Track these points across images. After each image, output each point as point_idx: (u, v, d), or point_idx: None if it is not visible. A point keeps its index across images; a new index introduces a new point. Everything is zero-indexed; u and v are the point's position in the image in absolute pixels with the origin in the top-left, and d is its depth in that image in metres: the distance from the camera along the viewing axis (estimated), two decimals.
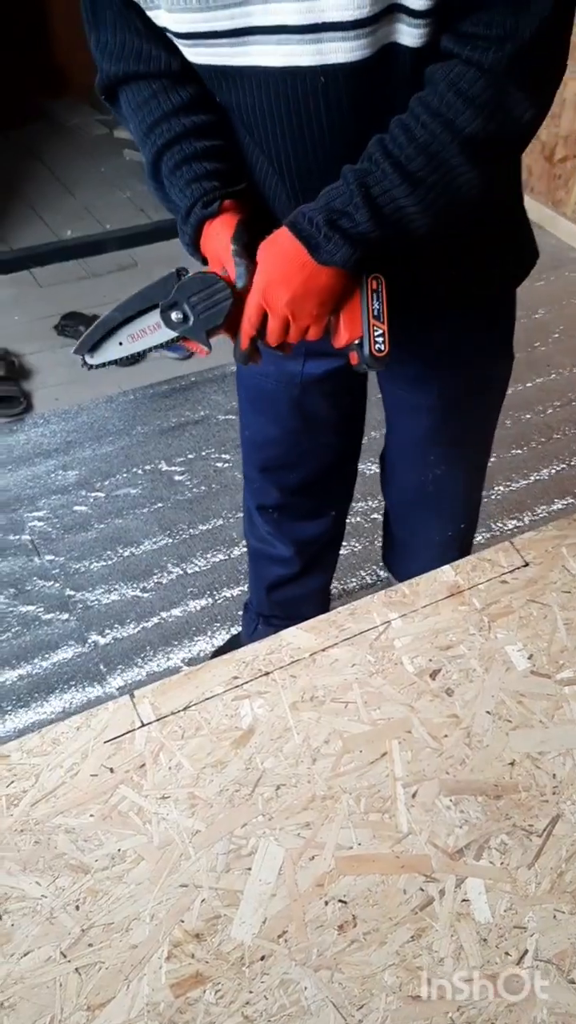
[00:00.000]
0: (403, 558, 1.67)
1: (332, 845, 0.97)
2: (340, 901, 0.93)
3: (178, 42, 1.01)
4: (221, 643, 1.97)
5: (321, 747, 1.06)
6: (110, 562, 2.15)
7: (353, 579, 2.13)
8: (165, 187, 1.08)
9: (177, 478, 2.38)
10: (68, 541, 2.18)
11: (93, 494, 2.31)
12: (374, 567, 2.14)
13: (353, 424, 1.54)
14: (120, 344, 1.03)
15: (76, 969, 0.87)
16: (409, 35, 0.90)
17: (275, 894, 0.93)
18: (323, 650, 1.16)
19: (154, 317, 1.03)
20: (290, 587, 1.73)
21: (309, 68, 0.92)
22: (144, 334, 1.02)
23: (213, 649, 1.96)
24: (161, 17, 0.99)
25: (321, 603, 1.81)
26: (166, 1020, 0.84)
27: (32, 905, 0.91)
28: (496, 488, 2.34)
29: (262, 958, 0.89)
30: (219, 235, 1.04)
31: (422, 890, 0.95)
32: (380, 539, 1.73)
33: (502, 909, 0.94)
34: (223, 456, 2.46)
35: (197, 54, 1.00)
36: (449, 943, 0.91)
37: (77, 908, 0.91)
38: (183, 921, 0.91)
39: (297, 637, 1.18)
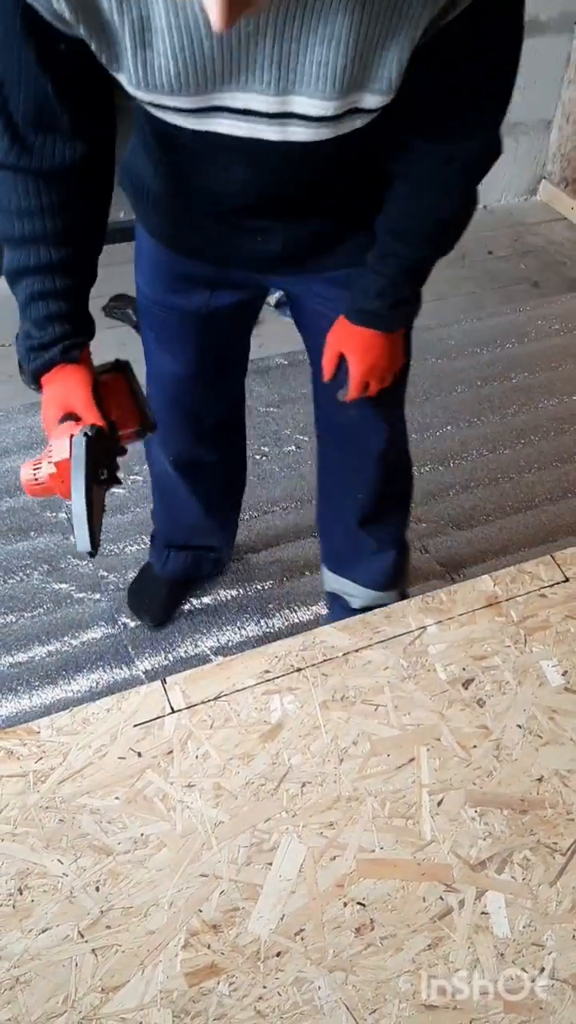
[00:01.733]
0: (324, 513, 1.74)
1: (354, 847, 0.97)
2: (359, 904, 0.93)
3: (135, 97, 0.99)
4: (250, 634, 1.97)
5: (349, 748, 1.05)
6: (144, 546, 2.16)
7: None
8: (16, 297, 1.09)
9: None
10: (104, 522, 2.18)
11: (132, 477, 2.31)
12: None
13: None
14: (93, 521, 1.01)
15: (93, 950, 0.87)
16: (363, 119, 0.98)
17: (294, 891, 0.93)
18: (356, 651, 1.15)
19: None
20: (198, 524, 1.79)
21: (271, 141, 1.00)
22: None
23: (240, 639, 1.96)
24: (121, 79, 0.96)
25: (231, 534, 1.91)
26: (179, 1008, 0.84)
27: (53, 883, 0.91)
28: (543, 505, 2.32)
29: (278, 954, 0.89)
30: (74, 383, 1.08)
31: (442, 899, 0.94)
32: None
33: (521, 925, 0.93)
34: (262, 448, 2.45)
35: (154, 111, 1.00)
36: (466, 955, 0.90)
37: (97, 889, 0.91)
38: (201, 911, 0.91)
39: (331, 636, 1.17)
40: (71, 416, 1.06)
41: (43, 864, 0.93)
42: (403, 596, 1.77)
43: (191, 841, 0.96)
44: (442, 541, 2.18)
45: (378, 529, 1.66)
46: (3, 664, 1.87)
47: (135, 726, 1.05)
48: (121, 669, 1.87)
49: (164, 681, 1.10)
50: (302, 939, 0.90)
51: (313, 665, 1.14)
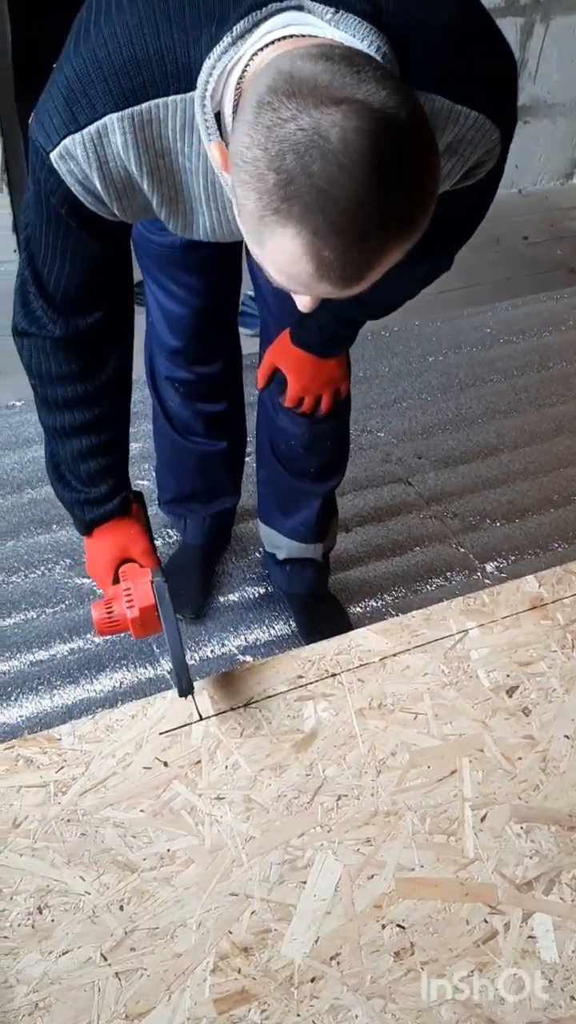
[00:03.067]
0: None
1: (393, 865, 0.92)
2: (398, 926, 0.88)
3: None
4: (278, 633, 1.93)
5: (387, 759, 1.01)
6: (169, 541, 2.12)
7: None
8: (56, 453, 1.17)
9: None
10: None
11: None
12: None
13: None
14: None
15: (116, 974, 0.83)
16: None
17: (330, 912, 0.89)
18: (394, 655, 1.11)
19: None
20: (204, 457, 1.82)
21: None
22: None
23: (268, 638, 1.92)
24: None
25: (238, 468, 1.93)
26: None
27: (75, 901, 0.88)
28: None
29: (312, 979, 0.84)
30: (134, 533, 1.19)
31: (486, 922, 0.89)
32: None
33: (570, 950, 0.88)
34: None
35: None
36: (512, 982, 0.86)
37: (121, 908, 0.87)
38: (231, 932, 0.87)
39: (367, 639, 1.13)
40: (125, 562, 1.17)
41: (64, 881, 0.89)
42: (327, 553, 1.89)
43: (220, 857, 0.92)
44: (477, 537, 2.13)
45: (307, 482, 1.73)
46: (24, 662, 1.84)
47: (161, 734, 1.01)
48: (146, 668, 1.84)
49: (192, 692, 1.05)
50: (338, 963, 0.86)
51: (348, 670, 1.09)
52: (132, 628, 1.10)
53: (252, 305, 2.50)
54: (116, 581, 1.16)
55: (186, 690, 1.03)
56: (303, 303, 0.83)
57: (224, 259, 1.50)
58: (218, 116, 0.83)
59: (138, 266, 1.56)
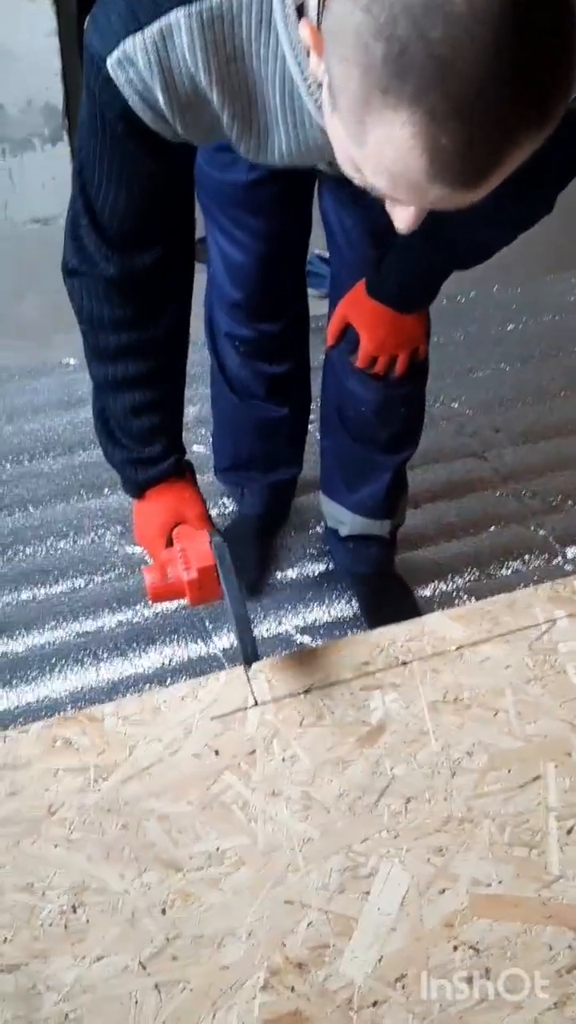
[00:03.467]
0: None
1: (467, 879, 0.84)
2: (472, 948, 0.80)
3: None
4: (340, 614, 1.85)
5: (463, 759, 0.92)
6: (224, 510, 2.05)
7: None
8: (107, 408, 1.10)
9: None
10: None
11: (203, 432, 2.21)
12: None
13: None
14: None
15: (156, 985, 0.76)
16: None
17: (395, 928, 0.81)
18: (473, 644, 1.02)
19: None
20: (265, 424, 1.75)
21: None
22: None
23: (328, 619, 1.84)
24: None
25: (301, 436, 1.85)
26: None
27: (112, 901, 0.81)
28: None
29: (374, 1003, 0.77)
30: (188, 496, 1.13)
31: (571, 948, 0.81)
32: None
33: None
34: None
35: None
36: None
37: (163, 912, 0.81)
38: (285, 945, 0.79)
39: (443, 625, 1.04)
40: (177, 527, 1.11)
41: (102, 878, 0.82)
42: (394, 531, 1.80)
43: (275, 860, 0.84)
44: (559, 519, 2.02)
45: (376, 453, 1.64)
46: (70, 633, 1.79)
47: (213, 719, 0.94)
48: (197, 645, 1.78)
49: (253, 662, 0.98)
50: (403, 987, 0.78)
51: (421, 659, 1.01)
52: (189, 592, 1.03)
53: (321, 265, 2.41)
54: (169, 547, 1.10)
55: (251, 657, 0.97)
56: (405, 219, 0.72)
57: (293, 200, 1.41)
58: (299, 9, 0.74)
59: (199, 214, 1.49)
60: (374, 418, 1.55)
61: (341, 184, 1.22)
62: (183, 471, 1.13)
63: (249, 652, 0.97)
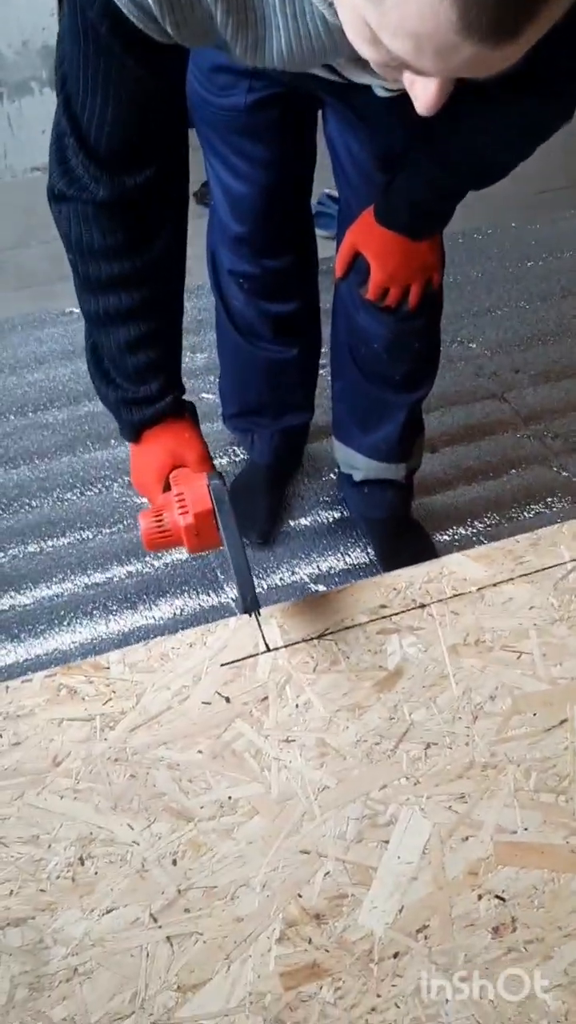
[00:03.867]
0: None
1: (491, 826, 0.82)
2: (497, 897, 0.78)
3: None
4: (355, 561, 1.82)
5: (485, 703, 0.89)
6: (235, 458, 2.02)
7: None
8: (100, 345, 1.05)
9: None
10: None
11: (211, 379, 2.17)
12: None
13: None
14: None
15: (168, 938, 0.75)
16: None
17: (416, 877, 0.79)
18: (495, 585, 0.98)
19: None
20: (273, 365, 1.70)
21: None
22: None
23: (344, 567, 1.81)
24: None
25: (311, 380, 1.81)
26: (272, 1016, 0.71)
27: (121, 852, 0.79)
28: None
29: (395, 955, 0.75)
30: (188, 437, 1.07)
31: None
32: None
33: None
34: None
35: None
36: None
37: (174, 863, 0.79)
38: (301, 896, 0.77)
39: (463, 566, 1.00)
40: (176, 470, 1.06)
41: (109, 829, 0.80)
42: (410, 475, 1.76)
43: (289, 809, 0.82)
44: None
45: (390, 392, 1.59)
46: (79, 585, 1.77)
47: (223, 666, 0.91)
48: (208, 595, 1.75)
49: (258, 613, 0.95)
50: (426, 938, 0.76)
51: (440, 601, 0.97)
52: (186, 539, 0.98)
53: (331, 204, 2.34)
54: (167, 492, 1.05)
55: (251, 606, 0.92)
56: (428, 97, 0.65)
57: (295, 125, 1.35)
58: None
59: (199, 144, 1.43)
60: (386, 355, 1.50)
61: (345, 96, 1.16)
62: (182, 411, 1.08)
63: (248, 601, 0.92)
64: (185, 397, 1.09)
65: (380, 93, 1.03)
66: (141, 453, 1.08)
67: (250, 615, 0.94)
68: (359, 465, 1.73)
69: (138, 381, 1.04)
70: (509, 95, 0.97)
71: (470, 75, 0.61)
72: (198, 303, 2.38)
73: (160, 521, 0.98)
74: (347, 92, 1.06)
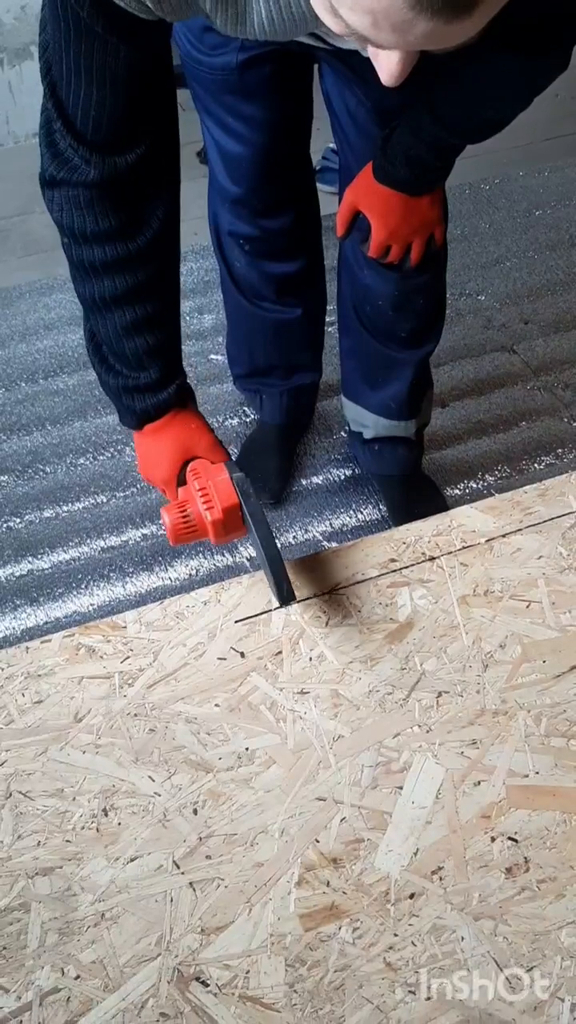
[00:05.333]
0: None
1: (503, 770, 0.84)
2: (510, 839, 0.80)
3: None
4: (367, 518, 1.83)
5: (495, 652, 0.91)
6: (245, 419, 2.02)
7: None
8: (98, 332, 1.04)
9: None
10: (203, 392, 2.06)
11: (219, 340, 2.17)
12: None
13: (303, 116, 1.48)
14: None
15: (191, 883, 0.77)
16: None
17: (430, 821, 0.81)
18: (503, 536, 1.00)
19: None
20: (279, 326, 1.70)
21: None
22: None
23: (356, 523, 1.82)
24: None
25: (318, 340, 1.81)
26: (293, 956, 0.74)
27: (143, 803, 0.81)
28: None
29: (411, 896, 0.77)
30: (196, 427, 1.07)
31: None
32: None
33: None
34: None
35: None
36: None
37: (195, 812, 0.81)
38: (318, 841, 0.80)
39: (472, 518, 1.01)
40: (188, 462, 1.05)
41: (131, 781, 0.83)
42: (420, 431, 1.74)
43: (305, 758, 0.84)
44: None
45: (397, 350, 1.59)
46: (95, 548, 1.79)
47: (237, 622, 0.93)
48: (223, 556, 1.77)
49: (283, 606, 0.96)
50: (440, 879, 0.78)
51: (450, 553, 0.99)
52: (213, 532, 0.99)
53: (334, 159, 2.32)
54: (181, 484, 1.05)
55: (287, 598, 0.91)
56: (390, 68, 0.66)
57: (290, 82, 1.34)
58: None
59: (193, 105, 1.42)
60: (392, 312, 1.50)
61: (339, 55, 1.15)
62: (185, 399, 1.08)
63: (285, 592, 0.91)
64: (194, 358, 1.09)
65: (364, 53, 1.03)
66: (150, 445, 1.08)
67: (285, 606, 0.94)
68: (369, 423, 1.74)
69: (137, 367, 1.03)
70: (505, 49, 0.96)
71: (430, 48, 0.62)
72: (204, 263, 2.38)
73: (186, 516, 0.99)
74: (339, 52, 1.06)
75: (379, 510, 1.85)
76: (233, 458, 1.09)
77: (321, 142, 1.50)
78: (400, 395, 1.66)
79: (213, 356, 2.12)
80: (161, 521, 1.00)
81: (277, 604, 0.93)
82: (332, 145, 2.46)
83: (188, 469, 1.05)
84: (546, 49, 1.01)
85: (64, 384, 2.15)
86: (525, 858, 0.79)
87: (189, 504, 1.00)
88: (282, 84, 1.32)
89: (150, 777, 0.83)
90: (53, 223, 0.98)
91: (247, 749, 0.85)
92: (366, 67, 1.11)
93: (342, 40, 0.92)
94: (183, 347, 1.10)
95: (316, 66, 1.34)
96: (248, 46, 1.24)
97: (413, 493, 1.82)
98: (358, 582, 0.97)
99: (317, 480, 1.92)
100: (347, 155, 1.38)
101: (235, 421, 2.02)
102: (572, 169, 2.66)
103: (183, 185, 1.02)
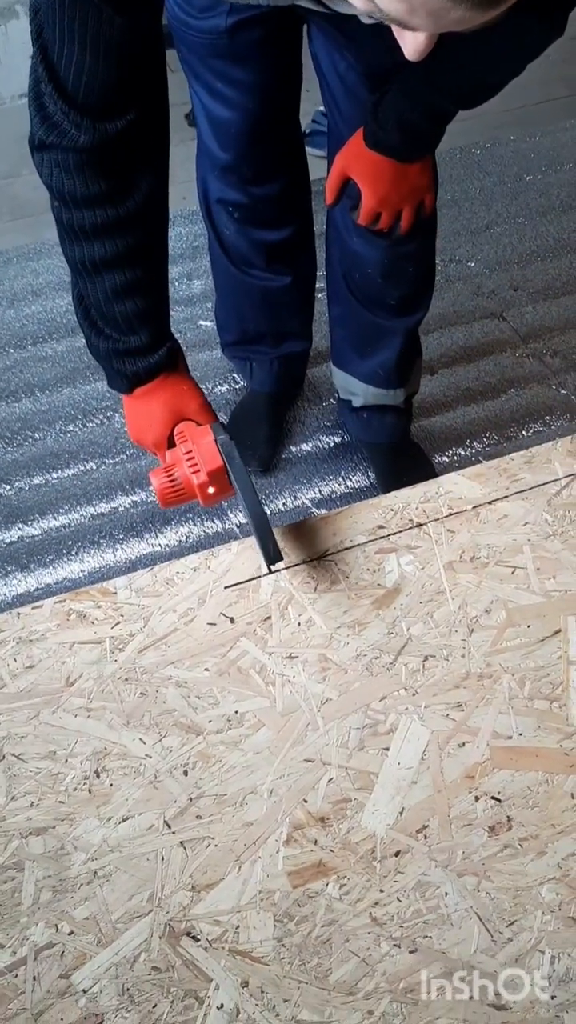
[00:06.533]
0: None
1: (487, 732, 0.85)
2: (493, 798, 0.82)
3: None
4: (356, 485, 1.84)
5: (480, 617, 0.92)
6: (235, 385, 2.03)
7: None
8: (87, 295, 1.04)
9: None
10: (192, 359, 2.05)
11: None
12: None
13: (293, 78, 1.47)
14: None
15: (181, 842, 0.79)
16: None
17: (416, 781, 0.83)
18: (490, 503, 1.01)
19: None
20: (268, 294, 1.70)
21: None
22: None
23: (345, 491, 1.84)
24: None
25: (308, 307, 1.81)
26: (281, 912, 0.76)
27: (135, 765, 0.83)
28: None
29: (397, 854, 0.79)
30: (187, 390, 1.08)
31: None
32: None
33: None
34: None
35: None
36: None
37: (185, 773, 0.83)
38: (306, 801, 0.81)
39: (458, 485, 1.03)
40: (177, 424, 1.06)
41: (123, 743, 0.84)
42: (409, 398, 1.76)
43: (294, 720, 0.86)
44: None
45: (386, 318, 1.59)
46: (85, 515, 1.80)
47: (227, 588, 0.94)
48: (213, 522, 1.78)
49: (270, 569, 0.97)
50: (425, 837, 0.80)
51: (437, 520, 1.00)
52: (200, 495, 1.00)
53: (324, 122, 2.30)
54: (171, 446, 1.06)
55: (273, 558, 0.92)
56: (416, 46, 0.69)
57: (280, 46, 1.32)
58: None
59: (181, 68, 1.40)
60: (381, 280, 1.50)
61: (332, 22, 1.14)
62: (175, 362, 1.09)
63: (272, 553, 0.92)
64: (183, 325, 1.09)
65: (366, 21, 1.02)
66: (139, 408, 1.09)
67: (271, 568, 0.95)
68: (357, 391, 1.74)
69: (127, 330, 1.04)
70: (516, 13, 0.96)
71: (457, 30, 0.65)
72: (192, 228, 2.36)
73: (173, 479, 1.00)
74: (334, 16, 1.05)
75: (368, 477, 1.86)
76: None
77: (310, 105, 1.48)
78: (389, 363, 1.66)
79: (202, 322, 2.12)
80: (150, 484, 1.01)
81: (265, 567, 0.94)
82: (321, 108, 2.44)
83: (176, 432, 1.06)
84: (551, 12, 1.01)
85: (53, 350, 2.14)
86: (508, 817, 0.81)
87: (176, 467, 1.01)
88: (272, 47, 1.31)
89: (141, 740, 0.85)
90: (40, 187, 0.98)
91: (236, 712, 0.86)
92: (358, 31, 1.10)
93: (341, 4, 0.92)
94: (172, 313, 1.10)
95: (305, 28, 1.33)
96: (238, 8, 1.23)
97: (401, 460, 1.83)
98: (346, 548, 0.98)
99: (306, 447, 1.92)
100: (336, 119, 1.38)
101: (224, 388, 2.02)
102: (563, 133, 2.64)
103: (172, 148, 1.02)
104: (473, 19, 0.62)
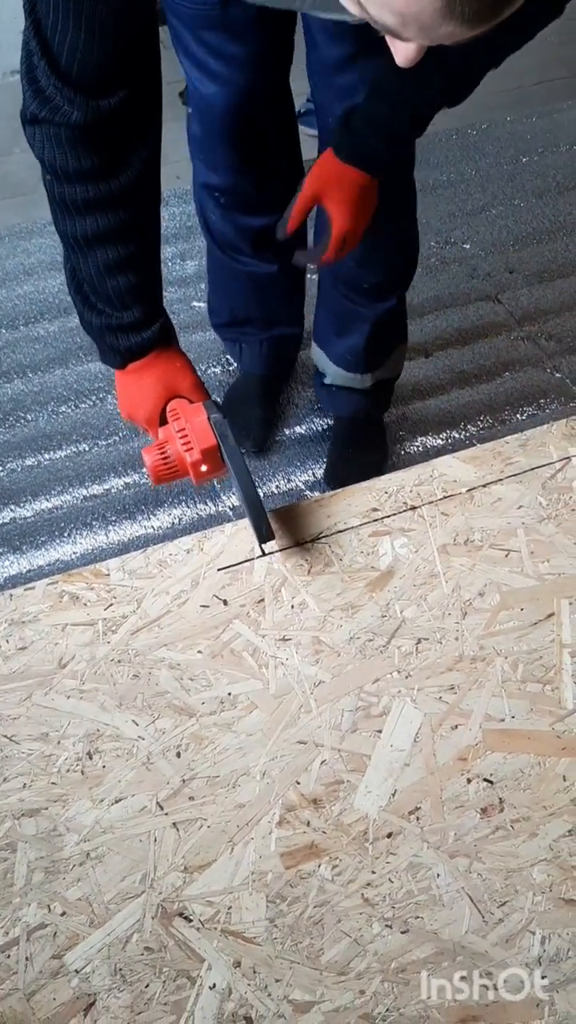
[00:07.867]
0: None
1: (480, 715, 0.86)
2: (486, 780, 0.82)
3: None
4: None
5: (474, 600, 0.92)
6: (228, 368, 2.02)
7: None
8: (80, 270, 1.03)
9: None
10: (185, 340, 2.05)
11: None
12: None
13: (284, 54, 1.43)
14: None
15: (174, 824, 0.79)
16: None
17: (408, 764, 0.83)
18: (484, 486, 1.01)
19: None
20: (259, 278, 1.69)
21: None
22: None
23: None
24: None
25: (299, 293, 1.80)
26: (274, 892, 0.76)
27: (127, 747, 0.83)
28: None
29: (389, 835, 0.79)
30: (180, 367, 1.07)
31: None
32: None
33: None
34: None
35: None
36: None
37: (178, 755, 0.83)
38: (299, 783, 0.82)
39: (453, 468, 1.03)
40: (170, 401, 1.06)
41: (115, 725, 0.84)
42: (382, 383, 1.77)
43: (286, 703, 0.86)
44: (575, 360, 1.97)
45: (359, 301, 1.59)
46: (77, 497, 1.80)
47: (220, 570, 0.94)
48: (206, 504, 1.78)
49: (263, 548, 0.97)
50: (417, 819, 0.80)
51: (431, 503, 1.00)
52: (192, 472, 1.00)
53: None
54: (163, 423, 1.06)
55: (266, 537, 0.93)
56: (406, 54, 0.69)
57: (274, 22, 1.30)
58: None
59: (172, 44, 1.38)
60: (355, 266, 1.49)
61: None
62: (169, 338, 1.08)
63: (264, 532, 0.93)
64: (176, 306, 1.09)
65: (352, 21, 1.02)
66: (131, 383, 1.08)
67: (263, 547, 0.95)
68: (327, 371, 1.76)
69: (120, 305, 1.03)
70: None
71: (447, 43, 0.66)
72: (186, 208, 2.35)
73: (165, 457, 1.00)
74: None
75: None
76: None
77: (304, 83, 1.47)
78: (357, 348, 1.66)
79: (196, 303, 2.11)
80: (142, 462, 1.00)
81: (258, 547, 0.95)
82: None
83: (168, 409, 1.05)
84: None
85: (45, 331, 2.13)
86: (500, 799, 0.82)
87: (169, 444, 1.01)
88: (267, 22, 1.29)
89: (134, 721, 0.85)
90: (32, 165, 0.97)
91: (229, 694, 0.87)
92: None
93: (336, 12, 0.91)
94: (165, 294, 1.10)
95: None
96: None
97: (357, 435, 1.82)
98: (340, 531, 0.98)
99: (300, 430, 1.92)
100: (319, 98, 1.36)
101: (218, 369, 2.01)
102: (560, 114, 2.63)
103: (165, 127, 1.01)
104: (463, 34, 0.63)
